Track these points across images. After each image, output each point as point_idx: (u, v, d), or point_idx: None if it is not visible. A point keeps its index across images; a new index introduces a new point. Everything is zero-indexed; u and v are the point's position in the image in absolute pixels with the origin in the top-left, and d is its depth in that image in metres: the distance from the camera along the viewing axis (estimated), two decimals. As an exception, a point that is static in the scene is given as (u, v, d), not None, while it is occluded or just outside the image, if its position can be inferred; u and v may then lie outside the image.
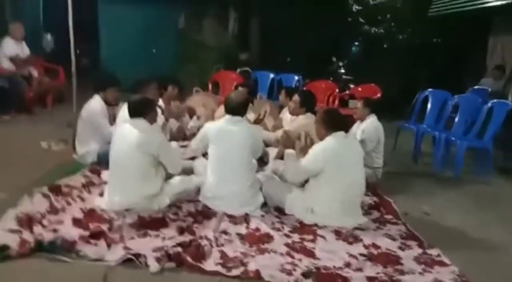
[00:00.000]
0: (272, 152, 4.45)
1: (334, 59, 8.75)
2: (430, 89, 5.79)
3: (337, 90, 7.23)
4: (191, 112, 5.69)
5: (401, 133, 5.76)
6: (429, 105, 5.62)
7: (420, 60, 8.22)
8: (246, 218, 3.21)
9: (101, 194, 3.45)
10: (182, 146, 4.86)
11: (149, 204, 3.22)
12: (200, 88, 6.63)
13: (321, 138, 3.36)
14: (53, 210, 3.13)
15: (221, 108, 5.23)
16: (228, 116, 3.42)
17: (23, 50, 6.71)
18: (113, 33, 8.96)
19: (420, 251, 2.91)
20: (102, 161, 4.09)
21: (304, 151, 3.44)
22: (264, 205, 3.45)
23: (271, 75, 7.49)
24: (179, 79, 5.17)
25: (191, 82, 7.79)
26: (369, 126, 4.24)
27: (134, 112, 3.26)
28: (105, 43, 9.23)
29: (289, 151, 3.47)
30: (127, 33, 8.88)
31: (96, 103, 4.24)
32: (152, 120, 3.34)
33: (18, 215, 2.95)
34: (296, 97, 4.36)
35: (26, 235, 2.72)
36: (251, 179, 3.42)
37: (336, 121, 3.33)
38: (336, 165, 3.20)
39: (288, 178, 3.39)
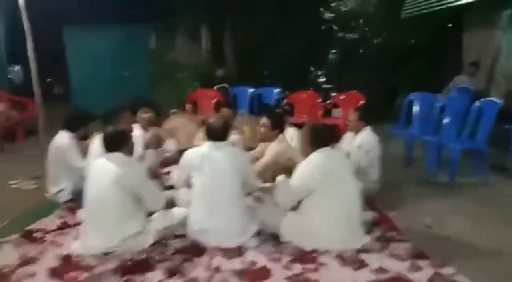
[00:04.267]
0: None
1: (312, 68, 8.59)
2: (414, 93, 5.62)
3: (319, 99, 7.05)
4: (170, 136, 5.41)
5: (389, 139, 5.58)
6: (415, 109, 5.46)
7: (398, 62, 8.12)
8: (240, 250, 2.94)
9: (77, 237, 3.13)
10: (165, 173, 4.59)
11: (131, 245, 2.91)
12: (177, 109, 6.34)
13: (307, 155, 3.13)
14: (25, 261, 2.81)
15: (201, 132, 4.99)
16: (210, 143, 3.17)
17: (-16, 86, 6.38)
18: (82, 59, 8.65)
19: (432, 271, 2.67)
20: (77, 198, 3.77)
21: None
22: (259, 232, 3.17)
23: (250, 90, 7.26)
24: (152, 101, 4.85)
25: (167, 104, 7.53)
26: (365, 140, 4.01)
27: (110, 147, 2.98)
28: (75, 70, 8.90)
29: (279, 178, 3.21)
30: (97, 58, 8.58)
31: (63, 138, 3.94)
32: (129, 152, 3.07)
33: (-17, 274, 2.64)
34: (265, 120, 4.00)
35: (-7, 297, 2.41)
36: (242, 206, 3.15)
37: (321, 137, 3.10)
38: (326, 182, 2.96)
39: (280, 203, 3.13)
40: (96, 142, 3.85)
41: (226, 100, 7.11)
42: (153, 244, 3.00)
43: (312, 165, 3.01)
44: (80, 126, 4.04)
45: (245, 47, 8.87)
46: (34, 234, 3.23)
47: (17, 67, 9.19)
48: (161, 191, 3.21)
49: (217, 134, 3.18)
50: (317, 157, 3.02)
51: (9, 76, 9.96)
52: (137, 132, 4.08)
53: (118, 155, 2.96)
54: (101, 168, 2.94)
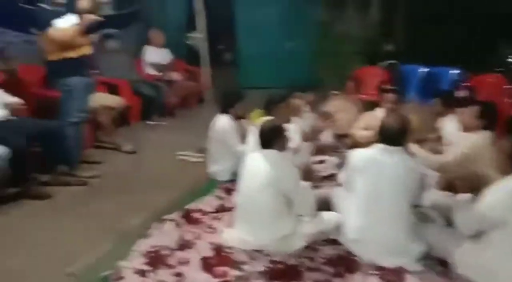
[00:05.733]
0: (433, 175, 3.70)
1: (501, 44, 7.24)
2: None
3: (508, 85, 5.92)
4: (329, 119, 5.16)
5: None
6: None
7: None
8: (399, 275, 2.58)
9: (230, 224, 3.14)
10: (320, 161, 4.42)
11: (282, 246, 2.79)
12: (338, 91, 5.97)
13: (504, 174, 2.54)
14: (183, 244, 2.92)
15: (364, 119, 4.62)
16: (381, 145, 2.81)
17: (165, 57, 6.82)
18: (251, 29, 8.74)
19: None
20: (236, 179, 3.82)
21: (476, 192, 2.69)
22: (425, 255, 2.74)
23: (421, 70, 6.46)
24: (309, 82, 4.62)
25: (330, 80, 7.21)
26: None
27: (265, 143, 2.91)
28: (243, 39, 9.06)
29: (462, 198, 2.70)
30: (265, 28, 8.60)
31: (223, 122, 4.01)
32: (282, 148, 2.95)
33: (148, 251, 2.81)
34: (474, 108, 3.41)
35: (150, 278, 2.53)
36: (408, 221, 2.75)
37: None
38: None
39: (459, 227, 2.64)
40: (254, 129, 3.80)
41: (393, 81, 6.50)
42: (303, 248, 2.84)
43: (508, 191, 2.43)
44: (227, 107, 4.04)
45: (419, 18, 7.92)
46: (193, 214, 3.35)
47: (197, 34, 9.75)
48: (311, 193, 3.01)
49: (392, 137, 2.79)
50: None
51: (188, 42, 10.71)
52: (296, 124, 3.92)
53: (272, 153, 2.87)
54: (255, 164, 2.89)
